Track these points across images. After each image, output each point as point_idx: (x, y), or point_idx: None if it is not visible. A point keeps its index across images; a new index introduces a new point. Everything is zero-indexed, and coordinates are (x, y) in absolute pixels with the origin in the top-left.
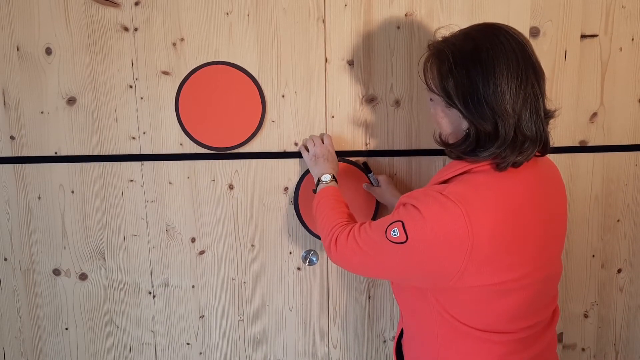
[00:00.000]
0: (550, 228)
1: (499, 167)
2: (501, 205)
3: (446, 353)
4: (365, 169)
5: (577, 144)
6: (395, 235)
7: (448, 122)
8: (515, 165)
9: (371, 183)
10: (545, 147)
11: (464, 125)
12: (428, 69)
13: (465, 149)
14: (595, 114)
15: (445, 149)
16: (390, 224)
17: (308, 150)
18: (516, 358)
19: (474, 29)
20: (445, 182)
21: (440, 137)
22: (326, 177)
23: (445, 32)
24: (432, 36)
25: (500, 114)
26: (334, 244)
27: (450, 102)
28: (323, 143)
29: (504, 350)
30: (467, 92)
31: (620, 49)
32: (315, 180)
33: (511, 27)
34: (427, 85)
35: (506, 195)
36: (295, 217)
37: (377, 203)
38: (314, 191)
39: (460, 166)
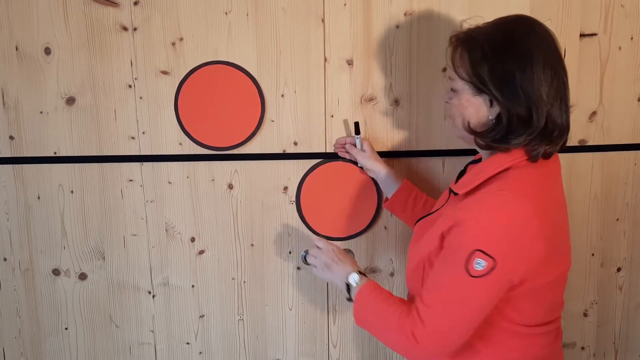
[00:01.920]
0: (567, 219)
1: (531, 157)
2: (546, 199)
3: (488, 351)
4: (356, 129)
5: (577, 143)
6: (481, 267)
7: (473, 111)
8: (546, 156)
9: (355, 145)
10: (566, 140)
11: (492, 113)
12: (457, 57)
13: (496, 135)
14: (594, 113)
15: (474, 138)
16: (466, 261)
17: (316, 265)
18: (553, 348)
19: (505, 20)
20: (484, 182)
21: (469, 125)
22: (354, 279)
23: (470, 24)
24: (431, 34)
25: (535, 101)
26: (413, 339)
27: (482, 87)
28: (320, 249)
29: (546, 341)
30: (503, 77)
31: (620, 48)
32: (343, 287)
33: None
34: (457, 73)
35: (548, 190)
36: (295, 216)
37: (379, 203)
38: (348, 299)
39: (498, 164)
